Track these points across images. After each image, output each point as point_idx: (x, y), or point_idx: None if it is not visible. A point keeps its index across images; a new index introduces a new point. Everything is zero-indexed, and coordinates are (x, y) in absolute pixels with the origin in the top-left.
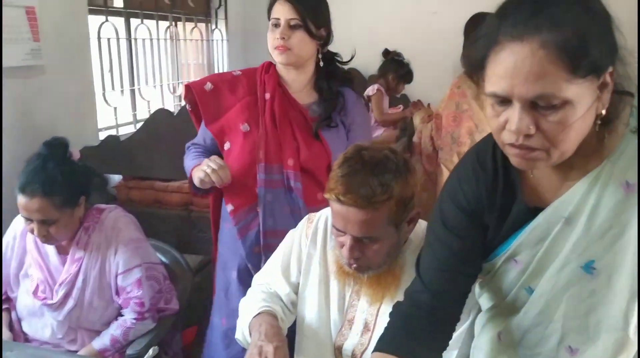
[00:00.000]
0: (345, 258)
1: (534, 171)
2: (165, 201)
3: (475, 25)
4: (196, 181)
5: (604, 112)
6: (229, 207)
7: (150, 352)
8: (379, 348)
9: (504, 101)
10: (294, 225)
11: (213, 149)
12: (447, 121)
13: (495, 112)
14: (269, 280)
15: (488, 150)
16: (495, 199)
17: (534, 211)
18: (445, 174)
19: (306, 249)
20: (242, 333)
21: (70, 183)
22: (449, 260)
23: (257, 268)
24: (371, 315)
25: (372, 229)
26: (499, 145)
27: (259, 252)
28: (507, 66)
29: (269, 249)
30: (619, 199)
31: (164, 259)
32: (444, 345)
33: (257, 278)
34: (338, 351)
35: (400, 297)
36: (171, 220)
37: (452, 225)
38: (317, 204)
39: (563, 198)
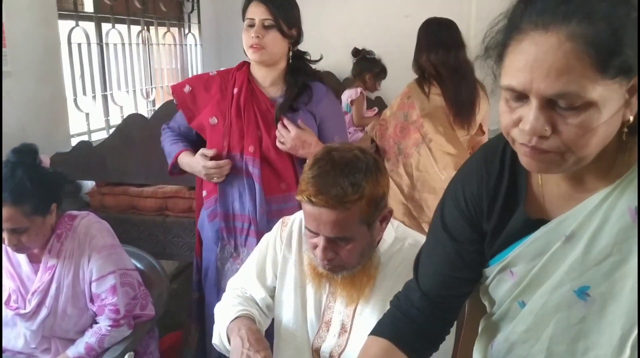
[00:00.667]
0: (318, 259)
1: (542, 177)
2: (140, 207)
3: (427, 31)
4: (187, 169)
5: (631, 119)
6: (204, 193)
7: (127, 357)
8: (377, 332)
9: (520, 96)
10: (253, 211)
11: (185, 134)
12: (395, 132)
13: (509, 108)
14: (244, 284)
15: (497, 149)
16: (495, 206)
17: (535, 223)
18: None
19: (281, 252)
20: (219, 337)
21: (40, 190)
22: (446, 263)
23: (222, 251)
24: (347, 316)
25: (344, 229)
26: (509, 143)
27: (222, 233)
28: (528, 57)
29: (229, 232)
30: (623, 226)
31: (139, 265)
32: (441, 338)
33: (232, 283)
34: (316, 353)
35: (375, 298)
36: (146, 226)
37: (452, 227)
38: (280, 193)
39: (567, 215)
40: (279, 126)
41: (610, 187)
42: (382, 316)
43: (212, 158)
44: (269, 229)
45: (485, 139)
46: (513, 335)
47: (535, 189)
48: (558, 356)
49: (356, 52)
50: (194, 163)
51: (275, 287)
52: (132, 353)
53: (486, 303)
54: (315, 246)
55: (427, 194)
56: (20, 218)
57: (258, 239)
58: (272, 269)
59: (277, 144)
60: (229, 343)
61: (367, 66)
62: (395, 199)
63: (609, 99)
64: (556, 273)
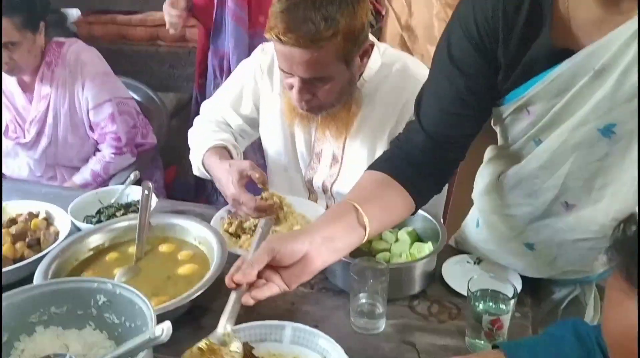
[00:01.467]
0: (295, 101)
1: None
2: (130, 36)
3: None
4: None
5: None
6: None
7: (132, 176)
8: (373, 166)
9: None
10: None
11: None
12: None
13: None
14: (218, 110)
15: None
16: (514, 32)
17: (559, 54)
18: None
19: (262, 82)
20: (197, 169)
21: (29, 4)
22: (452, 99)
23: None
24: (338, 148)
25: (320, 69)
26: None
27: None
28: None
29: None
30: None
31: (136, 96)
32: (444, 180)
33: (206, 105)
34: (309, 184)
35: (365, 130)
36: (139, 57)
37: (459, 58)
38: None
39: (598, 45)
40: None
41: None
42: (379, 152)
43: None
44: None
45: None
46: (524, 171)
47: (562, 13)
48: (572, 191)
49: None
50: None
51: (254, 118)
52: (137, 172)
53: (497, 132)
54: (290, 87)
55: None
56: (11, 31)
57: None
58: (251, 99)
59: None
60: (208, 173)
61: None
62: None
63: None
64: (580, 111)
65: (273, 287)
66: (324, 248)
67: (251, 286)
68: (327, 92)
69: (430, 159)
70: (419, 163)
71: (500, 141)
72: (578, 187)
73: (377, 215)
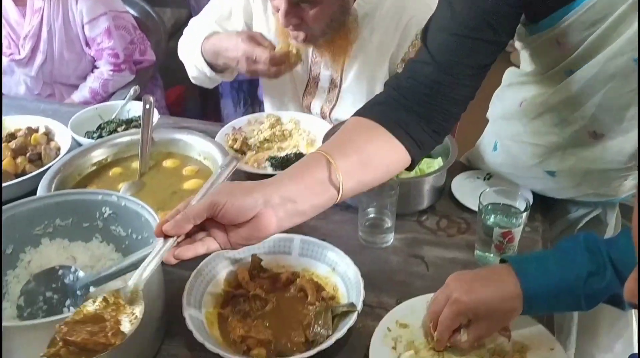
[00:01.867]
0: (282, 24)
1: None
2: None
3: None
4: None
5: None
6: None
7: (132, 91)
8: (360, 112)
9: None
10: None
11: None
12: None
13: None
14: (205, 25)
15: None
16: None
17: None
18: None
19: (255, 1)
20: (195, 68)
21: None
22: (470, 19)
23: None
24: (336, 71)
25: None
26: None
27: None
28: None
29: None
30: None
31: (132, 11)
32: (447, 126)
33: (192, 22)
34: (307, 110)
35: (364, 55)
36: None
37: None
38: None
39: None
40: None
41: None
42: (380, 77)
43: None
44: None
45: None
46: (552, 101)
47: None
48: (602, 121)
49: None
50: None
51: None
52: (137, 87)
53: (521, 58)
54: (277, 9)
55: None
56: None
57: None
58: (242, 17)
59: None
60: (210, 68)
61: None
62: None
63: None
64: (615, 42)
65: (211, 244)
66: (281, 210)
67: (186, 237)
68: (316, 18)
69: (436, 99)
70: (422, 104)
71: (523, 66)
72: (608, 117)
73: (355, 172)
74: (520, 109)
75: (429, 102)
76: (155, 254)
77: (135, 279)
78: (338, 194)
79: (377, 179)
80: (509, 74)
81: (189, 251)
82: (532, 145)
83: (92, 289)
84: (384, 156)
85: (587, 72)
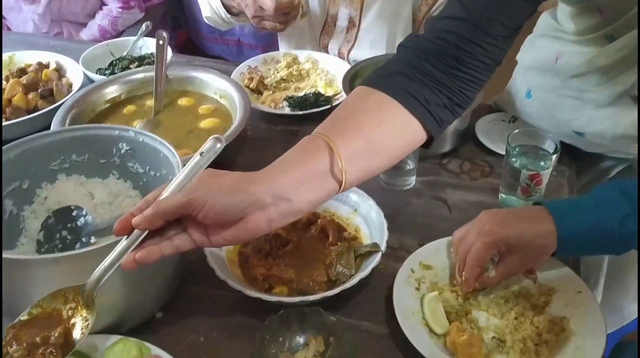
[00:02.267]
0: None
1: None
2: None
3: None
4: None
5: None
6: None
7: (143, 27)
8: (369, 82)
9: None
10: None
11: None
12: None
13: None
14: None
15: None
16: None
17: None
18: None
19: None
20: (209, 6)
21: None
22: None
23: None
24: (355, 10)
25: None
26: None
27: None
28: None
29: None
30: None
31: None
32: (470, 97)
33: None
34: (325, 50)
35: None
36: None
37: None
38: None
39: None
40: None
41: None
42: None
43: None
44: None
45: None
46: (592, 65)
47: None
48: None
49: None
50: None
51: None
52: (149, 23)
53: (558, 16)
54: None
55: None
56: None
57: None
58: None
59: None
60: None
61: None
62: None
63: None
64: None
65: (183, 243)
66: (274, 210)
67: (155, 232)
68: None
69: (465, 63)
70: (448, 70)
71: (561, 22)
72: None
73: (360, 159)
74: (556, 66)
75: (457, 68)
76: (118, 253)
77: (94, 279)
78: (340, 187)
79: (384, 165)
80: (544, 23)
81: (154, 254)
82: (570, 98)
83: (93, 239)
84: (396, 139)
85: (630, 38)
